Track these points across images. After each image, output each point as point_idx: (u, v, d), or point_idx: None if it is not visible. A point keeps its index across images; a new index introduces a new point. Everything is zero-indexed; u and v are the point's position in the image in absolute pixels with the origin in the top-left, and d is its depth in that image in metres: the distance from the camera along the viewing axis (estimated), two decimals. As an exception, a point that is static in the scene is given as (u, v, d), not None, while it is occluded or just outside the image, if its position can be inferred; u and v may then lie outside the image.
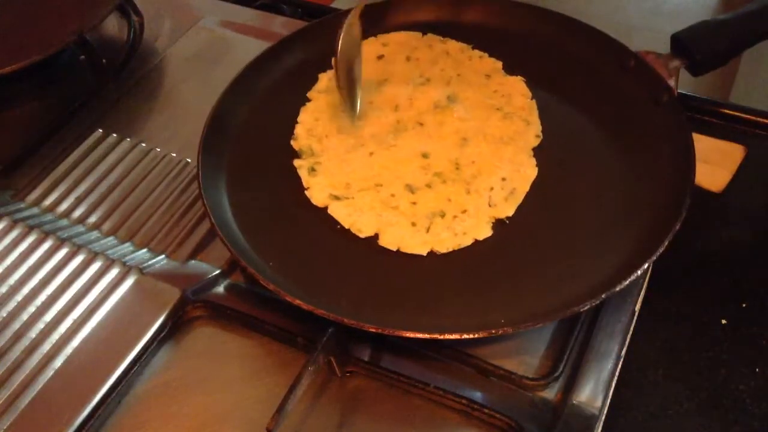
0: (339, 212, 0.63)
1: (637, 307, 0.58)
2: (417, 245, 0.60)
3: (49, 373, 0.56)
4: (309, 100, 0.72)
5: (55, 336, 0.58)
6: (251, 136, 0.70)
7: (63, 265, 0.63)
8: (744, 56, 0.69)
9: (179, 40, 0.87)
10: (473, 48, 0.76)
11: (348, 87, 0.69)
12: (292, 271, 0.58)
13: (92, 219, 0.68)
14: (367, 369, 0.56)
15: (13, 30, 0.82)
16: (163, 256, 0.64)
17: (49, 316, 0.59)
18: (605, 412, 0.53)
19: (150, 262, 0.63)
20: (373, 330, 0.52)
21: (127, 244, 0.66)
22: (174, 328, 0.59)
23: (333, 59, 0.67)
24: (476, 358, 0.55)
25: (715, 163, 0.69)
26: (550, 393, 0.54)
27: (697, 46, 0.68)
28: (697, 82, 0.72)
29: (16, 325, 0.59)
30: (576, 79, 0.72)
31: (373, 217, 0.62)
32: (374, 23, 0.78)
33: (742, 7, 0.68)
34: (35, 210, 0.69)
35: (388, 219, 0.62)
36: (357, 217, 0.62)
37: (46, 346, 0.57)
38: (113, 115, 0.78)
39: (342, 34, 0.66)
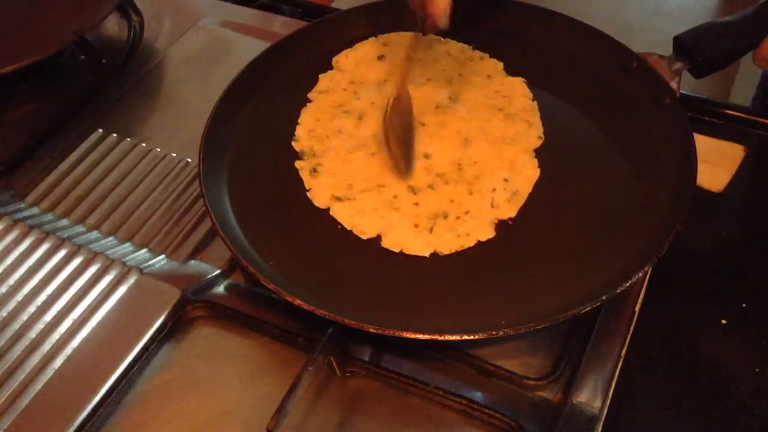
0: (341, 213, 0.62)
1: (637, 307, 0.58)
2: (420, 247, 0.60)
3: (49, 373, 0.56)
4: (309, 101, 0.72)
5: (55, 336, 0.58)
6: (252, 137, 0.70)
7: (63, 265, 0.63)
8: (744, 56, 0.69)
9: (179, 40, 0.87)
10: (474, 49, 0.76)
11: (402, 150, 0.66)
12: (292, 271, 0.58)
13: (92, 219, 0.68)
14: (367, 369, 0.55)
15: (13, 30, 0.82)
16: (163, 256, 0.64)
17: (49, 316, 0.59)
18: (605, 412, 0.53)
19: (150, 262, 0.63)
20: (374, 330, 0.52)
21: (127, 244, 0.66)
22: (174, 328, 0.59)
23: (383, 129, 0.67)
24: (477, 359, 0.56)
25: (715, 163, 0.69)
26: (551, 393, 0.54)
27: (700, 49, 0.68)
28: (697, 82, 0.72)
29: (16, 325, 0.59)
30: (578, 80, 0.72)
31: (375, 218, 0.62)
32: (374, 23, 0.78)
33: (743, 8, 0.68)
34: (35, 210, 0.69)
35: (391, 220, 0.61)
36: (359, 218, 0.62)
37: (46, 346, 0.57)
38: (113, 115, 0.78)
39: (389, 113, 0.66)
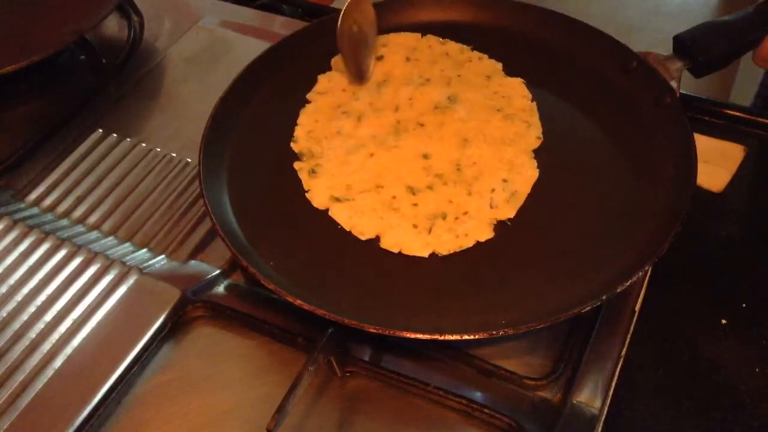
0: (340, 214, 0.62)
1: (637, 307, 0.59)
2: (418, 247, 0.60)
3: (49, 373, 0.56)
4: (308, 102, 0.72)
5: (55, 336, 0.58)
6: (252, 137, 0.70)
7: (63, 265, 0.63)
8: (744, 56, 0.69)
9: (179, 40, 0.87)
10: (473, 49, 0.76)
11: (354, 55, 0.70)
12: (292, 272, 0.58)
13: (92, 219, 0.68)
14: (367, 369, 0.56)
15: (13, 30, 0.82)
16: (163, 256, 0.64)
17: (49, 316, 0.59)
18: (605, 412, 0.53)
19: (150, 262, 0.63)
20: (374, 330, 0.52)
21: (127, 244, 0.66)
22: (174, 328, 0.59)
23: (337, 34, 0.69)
24: (477, 359, 0.56)
25: (715, 163, 0.69)
26: (551, 393, 0.54)
27: (700, 48, 0.68)
28: (697, 82, 0.72)
29: (16, 325, 0.59)
30: (577, 80, 0.72)
31: (374, 219, 0.62)
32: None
33: (743, 7, 0.68)
34: (35, 210, 0.69)
35: (390, 221, 0.61)
36: (358, 219, 0.62)
37: (46, 346, 0.57)
38: (113, 115, 0.78)
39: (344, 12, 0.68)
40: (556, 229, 0.61)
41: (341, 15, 0.69)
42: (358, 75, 0.71)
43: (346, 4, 0.70)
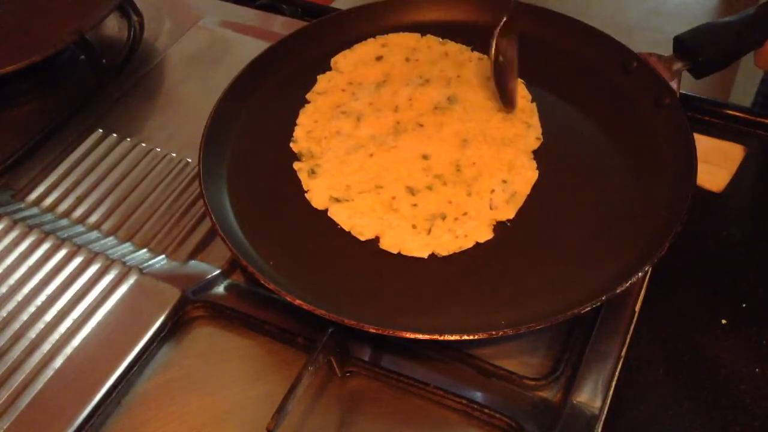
0: (339, 215, 0.62)
1: (637, 307, 0.59)
2: (418, 248, 0.60)
3: (49, 373, 0.56)
4: (308, 102, 0.72)
5: (55, 336, 0.58)
6: (252, 137, 0.70)
7: (63, 265, 0.63)
8: (744, 56, 0.69)
9: (179, 40, 0.87)
10: (473, 49, 0.76)
11: (503, 84, 0.69)
12: (292, 272, 0.58)
13: (92, 219, 0.68)
14: (367, 369, 0.56)
15: (13, 30, 0.82)
16: (163, 256, 0.64)
17: (49, 316, 0.59)
18: (605, 412, 0.53)
19: (150, 262, 0.63)
20: (374, 330, 0.52)
21: (127, 244, 0.66)
22: (174, 328, 0.59)
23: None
24: (476, 359, 0.56)
25: (715, 163, 0.69)
26: (551, 393, 0.54)
27: (701, 49, 0.68)
28: (697, 82, 0.72)
29: (16, 325, 0.59)
30: (577, 80, 0.72)
31: (373, 219, 0.62)
32: (373, 24, 0.78)
33: (743, 8, 0.68)
34: (35, 210, 0.69)
35: (389, 221, 0.61)
36: (357, 219, 0.62)
37: (46, 346, 0.57)
38: (113, 115, 0.78)
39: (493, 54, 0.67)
40: (555, 230, 0.61)
41: (492, 47, 0.67)
42: (510, 103, 0.69)
43: (495, 36, 0.67)
